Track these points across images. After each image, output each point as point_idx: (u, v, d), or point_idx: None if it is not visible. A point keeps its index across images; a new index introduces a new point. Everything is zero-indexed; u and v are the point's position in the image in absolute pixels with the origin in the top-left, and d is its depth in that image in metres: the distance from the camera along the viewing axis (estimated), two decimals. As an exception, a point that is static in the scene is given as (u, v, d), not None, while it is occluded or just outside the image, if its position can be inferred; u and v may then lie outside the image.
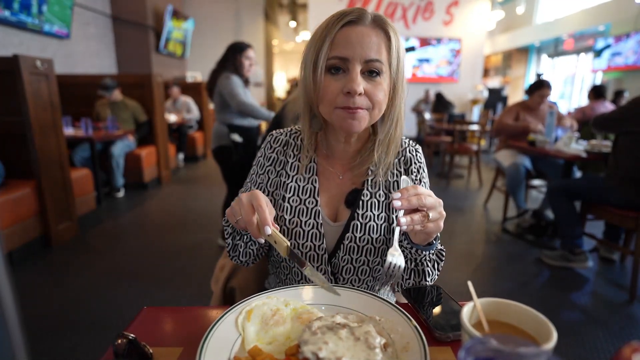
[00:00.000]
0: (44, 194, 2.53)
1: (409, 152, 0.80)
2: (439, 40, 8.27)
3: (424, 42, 8.29)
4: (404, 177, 0.69)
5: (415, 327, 0.52)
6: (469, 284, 0.47)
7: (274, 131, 0.83)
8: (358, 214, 0.74)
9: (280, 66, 14.60)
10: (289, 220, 0.75)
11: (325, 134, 0.78)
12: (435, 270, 0.72)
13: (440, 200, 0.60)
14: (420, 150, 0.82)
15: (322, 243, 0.75)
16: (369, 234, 0.74)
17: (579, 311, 1.96)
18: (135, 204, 3.71)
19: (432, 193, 0.60)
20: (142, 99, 4.16)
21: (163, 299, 2.00)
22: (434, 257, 0.71)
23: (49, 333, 1.69)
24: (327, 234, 0.76)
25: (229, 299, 0.93)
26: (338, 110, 0.67)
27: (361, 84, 0.64)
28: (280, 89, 13.42)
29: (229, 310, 0.56)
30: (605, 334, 1.72)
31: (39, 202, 2.52)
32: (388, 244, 0.76)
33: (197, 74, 8.15)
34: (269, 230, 0.58)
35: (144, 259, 2.50)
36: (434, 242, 0.67)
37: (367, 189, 0.76)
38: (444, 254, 0.73)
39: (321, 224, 0.75)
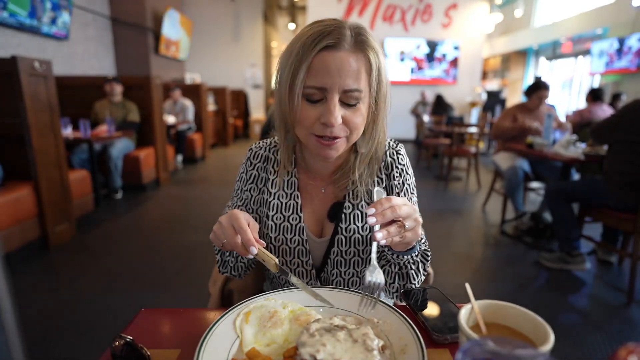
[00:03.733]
0: (42, 196, 2.52)
1: (390, 156, 0.77)
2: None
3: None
4: (376, 188, 0.66)
5: (413, 329, 0.52)
6: (467, 286, 0.47)
7: (253, 146, 0.81)
8: (342, 228, 0.73)
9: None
10: (274, 238, 0.75)
11: (301, 149, 0.76)
12: (420, 272, 0.70)
13: (415, 207, 0.59)
14: (402, 151, 0.78)
15: (309, 259, 0.75)
16: (354, 247, 0.74)
17: (576, 313, 1.96)
18: (134, 206, 3.70)
19: (406, 201, 0.58)
20: (140, 100, 4.16)
21: (161, 301, 1.99)
22: (419, 259, 0.70)
23: (47, 335, 1.68)
24: (313, 249, 0.75)
25: (227, 301, 0.93)
26: (314, 137, 0.65)
27: (339, 116, 0.62)
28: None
29: (227, 312, 0.56)
30: (602, 336, 1.72)
31: (37, 204, 2.51)
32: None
33: (196, 76, 8.16)
34: (254, 250, 0.58)
35: (142, 260, 2.50)
36: (416, 245, 0.66)
37: (349, 201, 0.74)
38: (429, 254, 0.72)
39: (306, 240, 0.74)
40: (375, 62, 0.64)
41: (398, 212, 0.55)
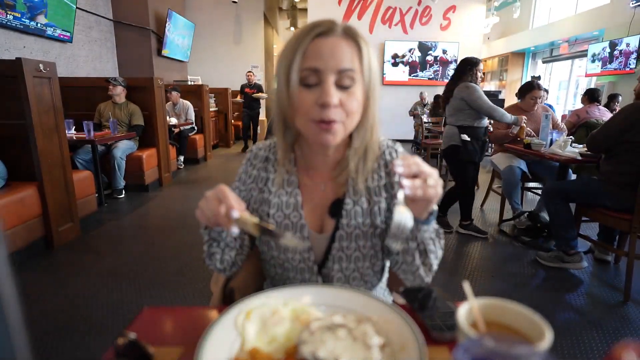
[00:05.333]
0: (47, 196, 2.53)
1: (389, 154, 0.80)
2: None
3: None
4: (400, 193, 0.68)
5: (413, 327, 0.52)
6: (466, 284, 0.48)
7: (253, 147, 0.84)
8: (342, 224, 0.75)
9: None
10: None
11: (300, 147, 0.78)
12: (437, 248, 0.71)
13: (436, 169, 0.62)
14: (400, 148, 0.81)
15: (310, 255, 0.76)
16: (355, 242, 0.75)
17: (573, 311, 1.97)
18: (136, 206, 3.72)
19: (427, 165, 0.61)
20: (143, 102, 4.17)
21: (163, 299, 2.00)
22: (434, 235, 0.71)
23: (51, 333, 1.70)
24: (314, 245, 0.77)
25: (229, 300, 0.94)
26: (313, 123, 0.67)
27: (335, 96, 0.64)
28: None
29: (228, 310, 0.57)
30: (599, 334, 1.73)
31: (41, 204, 2.53)
32: (376, 248, 0.77)
33: (198, 78, 8.16)
34: (236, 213, 0.59)
35: (145, 259, 2.51)
36: (431, 216, 0.67)
37: (349, 197, 0.76)
38: (442, 232, 0.73)
39: (307, 237, 0.76)
40: (366, 50, 0.68)
41: (421, 167, 0.58)
